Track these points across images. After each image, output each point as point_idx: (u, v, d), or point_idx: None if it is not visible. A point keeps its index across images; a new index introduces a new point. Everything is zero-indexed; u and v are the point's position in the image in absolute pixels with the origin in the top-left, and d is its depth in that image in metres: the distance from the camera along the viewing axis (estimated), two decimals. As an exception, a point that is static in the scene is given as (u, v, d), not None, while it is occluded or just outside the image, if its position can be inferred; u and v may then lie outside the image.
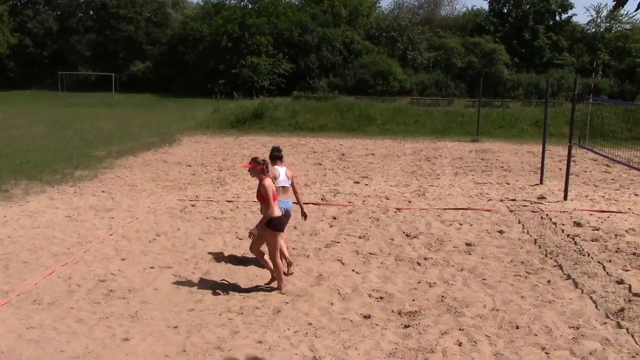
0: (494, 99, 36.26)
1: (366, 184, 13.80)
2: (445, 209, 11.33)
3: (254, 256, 7.53)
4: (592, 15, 76.00)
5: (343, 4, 51.29)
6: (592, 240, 9.27)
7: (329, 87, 44.27)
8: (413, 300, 6.74)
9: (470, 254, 8.49)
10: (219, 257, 8.22)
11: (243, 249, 8.46)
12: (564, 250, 8.71)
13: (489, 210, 11.23)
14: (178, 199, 11.84)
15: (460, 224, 10.19)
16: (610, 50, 50.66)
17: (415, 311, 6.39)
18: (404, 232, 9.59)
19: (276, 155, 7.88)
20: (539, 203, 12.03)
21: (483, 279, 7.43)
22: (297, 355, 5.38)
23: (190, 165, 15.95)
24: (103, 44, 56.16)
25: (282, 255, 7.41)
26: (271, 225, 6.78)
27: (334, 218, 10.51)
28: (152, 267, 7.72)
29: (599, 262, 8.18)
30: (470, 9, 57.46)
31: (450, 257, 8.35)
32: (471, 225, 10.15)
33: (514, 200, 12.28)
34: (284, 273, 7.14)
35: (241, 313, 6.31)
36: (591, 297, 6.84)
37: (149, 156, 17.45)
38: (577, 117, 13.16)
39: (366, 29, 52.31)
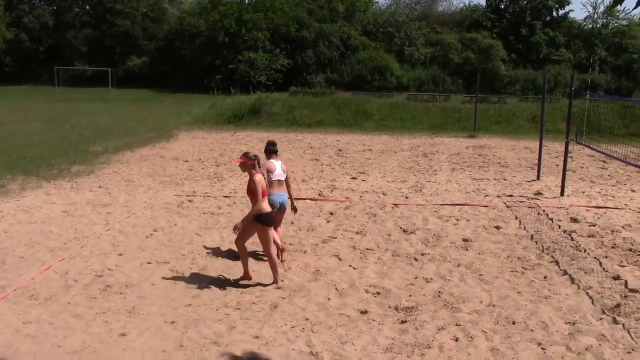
0: (491, 95, 36.23)
1: (363, 180, 13.81)
2: (442, 204, 11.34)
3: (251, 251, 7.54)
4: (589, 11, 76.42)
5: (340, 0, 51.19)
6: (589, 236, 9.30)
7: (326, 82, 44.21)
8: (410, 295, 6.75)
9: (467, 250, 8.51)
10: (216, 252, 8.22)
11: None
12: (561, 246, 8.73)
13: (485, 206, 11.25)
14: (175, 194, 11.83)
15: (457, 220, 10.20)
16: (607, 46, 50.73)
17: (412, 307, 6.41)
18: (401, 228, 9.60)
19: (271, 149, 7.95)
20: (535, 199, 12.06)
21: (480, 275, 7.45)
22: (294, 350, 5.39)
23: (187, 161, 15.93)
24: (99, 39, 55.94)
25: (274, 242, 7.47)
26: (261, 221, 6.78)
27: (331, 214, 10.51)
28: (149, 263, 7.72)
29: (595, 258, 8.20)
30: (467, 5, 57.82)
31: (447, 252, 8.37)
32: (468, 221, 10.17)
33: (510, 196, 12.30)
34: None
35: (238, 308, 6.31)
36: (587, 293, 6.86)
37: (146, 151, 17.42)
38: (574, 113, 13.18)
39: (363, 25, 52.24)
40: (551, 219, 10.35)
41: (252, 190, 6.78)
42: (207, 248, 8.38)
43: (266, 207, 6.84)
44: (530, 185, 13.59)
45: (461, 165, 16.36)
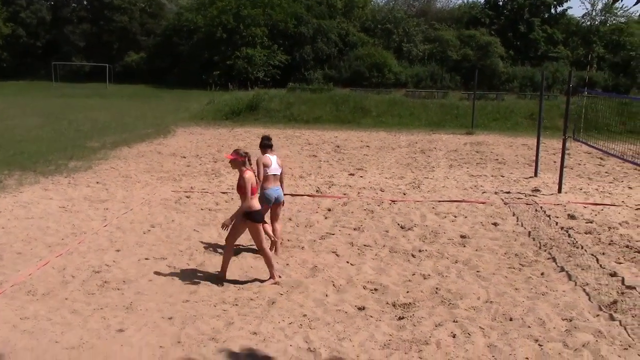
0: (489, 92, 36.24)
1: (361, 176, 13.81)
2: (439, 201, 11.35)
3: (249, 247, 7.56)
4: (587, 8, 75.98)
5: (338, -4, 51.15)
6: (586, 233, 9.31)
7: (324, 79, 44.13)
8: (407, 292, 6.76)
9: (464, 246, 8.52)
10: (213, 248, 8.22)
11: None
12: (558, 243, 8.75)
13: (483, 203, 11.26)
14: (173, 190, 11.82)
15: (455, 216, 10.21)
16: (605, 44, 50.71)
17: (410, 303, 6.42)
18: (398, 224, 9.61)
19: (266, 144, 8.02)
20: (533, 196, 12.07)
21: (477, 271, 7.46)
22: (291, 346, 5.40)
23: (184, 157, 15.91)
24: (97, 35, 55.72)
25: (267, 233, 7.61)
26: (252, 218, 6.78)
27: (329, 210, 10.51)
28: (146, 259, 7.72)
29: (592, 254, 8.22)
30: (465, 1, 57.39)
31: (444, 249, 8.38)
32: (465, 217, 10.18)
33: (508, 192, 12.32)
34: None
35: (236, 304, 6.32)
36: (584, 290, 6.88)
37: (144, 147, 17.40)
38: (572, 110, 13.19)
39: (361, 21, 52.13)
40: (548, 216, 10.36)
41: (241, 188, 6.76)
42: (204, 244, 8.38)
43: (256, 204, 6.84)
44: (528, 182, 13.60)
45: (459, 162, 16.37)
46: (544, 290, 6.83)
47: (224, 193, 11.64)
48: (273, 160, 7.84)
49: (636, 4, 3.88)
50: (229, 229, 6.87)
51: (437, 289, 6.84)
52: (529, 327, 5.86)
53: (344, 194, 11.79)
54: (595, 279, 7.26)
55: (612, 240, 8.92)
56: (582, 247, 8.54)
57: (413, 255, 8.06)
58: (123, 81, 49.30)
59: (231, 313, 6.08)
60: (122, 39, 55.42)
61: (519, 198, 11.81)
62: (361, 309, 6.26)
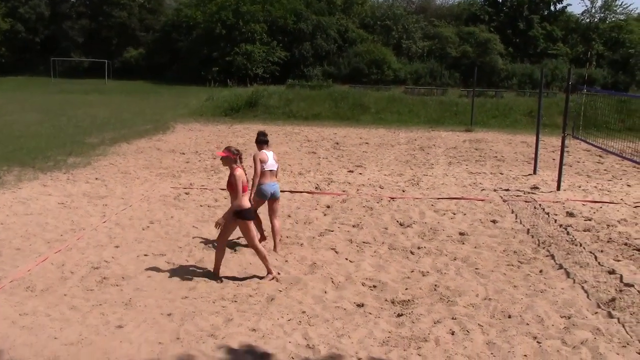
0: (488, 89, 36.27)
1: (360, 173, 13.81)
2: (438, 198, 11.35)
3: (247, 243, 7.55)
4: (586, 6, 76.21)
5: (338, -8, 51.11)
6: (585, 231, 9.33)
7: (323, 75, 44.16)
8: (406, 289, 6.76)
9: (463, 244, 8.53)
10: (212, 245, 8.19)
11: (235, 236, 8.45)
12: (557, 240, 8.76)
13: (482, 200, 11.27)
14: (172, 186, 11.82)
15: (454, 214, 10.22)
16: (604, 41, 50.76)
17: (409, 300, 6.42)
18: (397, 221, 9.61)
19: (262, 140, 8.04)
20: (532, 193, 12.08)
21: (476, 269, 7.47)
22: (290, 343, 5.40)
23: (184, 153, 15.90)
24: (96, 30, 55.60)
25: (258, 227, 7.76)
26: (242, 216, 6.76)
27: (328, 207, 10.52)
28: (145, 255, 7.72)
29: (590, 252, 8.23)
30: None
31: (443, 246, 8.38)
32: (464, 214, 10.19)
33: (507, 190, 12.33)
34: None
35: (235, 301, 6.32)
36: (583, 287, 6.89)
37: (143, 143, 17.39)
38: (571, 107, 13.19)
39: (361, 18, 52.12)
40: (547, 213, 10.37)
41: (232, 185, 6.74)
42: (203, 240, 8.39)
43: (246, 202, 6.83)
44: (527, 179, 13.61)
45: (458, 159, 16.37)
46: (542, 288, 6.84)
47: (223, 189, 11.62)
48: (269, 156, 7.88)
49: None
50: (220, 228, 6.86)
51: (435, 286, 6.85)
52: (528, 324, 5.87)
53: (343, 191, 11.80)
54: (593, 276, 7.27)
55: (610, 238, 8.93)
56: (580, 245, 8.55)
57: (412, 252, 8.06)
58: (122, 77, 49.25)
59: (230, 309, 6.09)
60: (121, 35, 55.32)
61: (517, 195, 11.82)
62: (360, 305, 6.27)
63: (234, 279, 6.97)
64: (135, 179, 12.45)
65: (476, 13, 52.21)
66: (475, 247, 8.35)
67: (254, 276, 7.04)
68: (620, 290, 6.80)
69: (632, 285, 6.92)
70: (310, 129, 22.26)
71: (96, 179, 12.31)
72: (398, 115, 26.37)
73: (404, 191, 11.97)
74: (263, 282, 6.84)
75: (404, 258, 7.86)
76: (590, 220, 9.97)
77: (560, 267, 7.58)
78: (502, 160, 16.36)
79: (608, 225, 9.64)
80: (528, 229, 9.32)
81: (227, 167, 6.89)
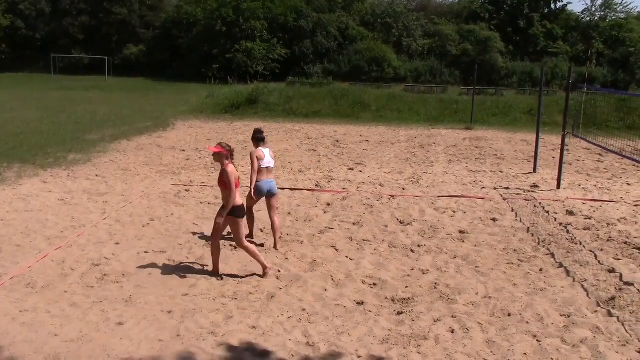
0: (488, 87, 36.25)
1: (360, 171, 13.81)
2: (439, 196, 11.36)
3: (248, 240, 7.54)
4: (586, 4, 75.95)
5: (338, -10, 51.07)
6: (584, 229, 9.33)
7: (323, 73, 44.13)
8: (406, 287, 6.77)
9: (463, 242, 8.53)
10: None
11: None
12: (557, 239, 8.76)
13: (482, 198, 11.27)
14: (172, 183, 11.82)
15: (454, 212, 10.22)
16: (605, 39, 50.76)
17: (409, 298, 6.43)
18: (397, 219, 9.62)
19: (259, 137, 8.08)
20: (532, 191, 12.09)
21: (476, 267, 7.48)
22: (290, 340, 5.41)
23: (184, 150, 15.90)
24: (96, 27, 55.56)
25: (250, 224, 7.89)
26: (233, 213, 6.75)
27: (328, 204, 10.52)
28: (146, 252, 7.72)
29: (590, 250, 8.24)
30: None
31: (443, 244, 8.39)
32: (464, 212, 10.19)
33: (507, 188, 12.33)
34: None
35: (235, 298, 6.33)
36: (582, 286, 6.90)
37: (143, 140, 17.38)
38: (571, 106, 13.18)
39: (361, 15, 52.09)
40: (547, 212, 10.38)
41: (223, 182, 6.72)
42: (204, 238, 8.38)
43: (239, 199, 6.81)
44: (527, 177, 13.62)
45: (458, 157, 16.37)
46: (542, 286, 6.85)
47: (223, 187, 11.62)
48: (266, 153, 7.91)
49: None
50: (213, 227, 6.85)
51: (435, 284, 6.86)
52: (527, 322, 5.88)
53: (343, 189, 11.80)
54: (593, 275, 7.28)
55: (610, 237, 8.94)
56: (580, 244, 8.56)
57: (412, 250, 8.07)
58: (122, 74, 49.24)
59: (230, 307, 6.09)
60: (121, 32, 55.29)
61: (517, 194, 11.82)
62: (360, 303, 6.27)
63: (234, 276, 6.97)
64: (136, 175, 12.45)
65: (476, 11, 52.21)
66: (475, 246, 8.36)
67: (254, 274, 7.04)
68: (620, 289, 6.81)
69: (632, 284, 6.93)
70: (310, 127, 22.24)
71: (96, 175, 12.31)
72: (398, 113, 26.36)
73: (404, 189, 11.97)
74: (263, 280, 6.85)
75: (404, 256, 7.86)
76: (590, 218, 9.98)
77: (560, 265, 7.59)
78: (502, 158, 16.36)
79: (608, 224, 9.64)
80: (528, 228, 9.33)
81: (218, 162, 6.89)
